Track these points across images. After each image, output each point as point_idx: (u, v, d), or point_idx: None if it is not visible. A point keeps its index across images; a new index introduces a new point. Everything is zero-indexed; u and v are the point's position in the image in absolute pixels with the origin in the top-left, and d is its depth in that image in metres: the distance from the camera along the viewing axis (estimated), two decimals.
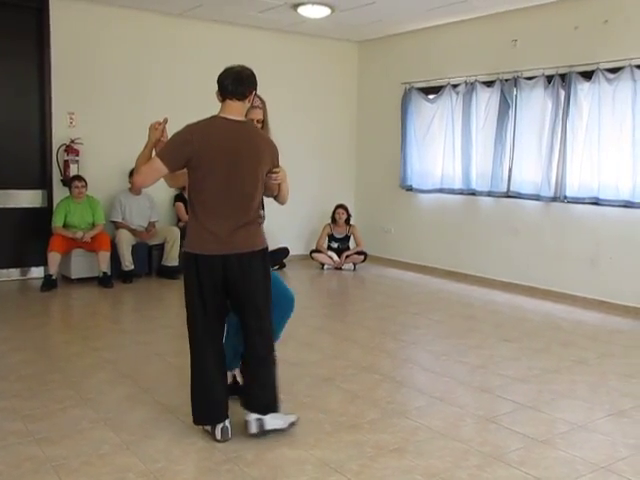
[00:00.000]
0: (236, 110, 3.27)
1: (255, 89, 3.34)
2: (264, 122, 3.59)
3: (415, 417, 3.71)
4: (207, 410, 3.33)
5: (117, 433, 3.40)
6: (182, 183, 3.40)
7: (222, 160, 3.18)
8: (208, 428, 3.35)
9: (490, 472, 3.08)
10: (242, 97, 3.26)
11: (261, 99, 3.56)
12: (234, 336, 3.58)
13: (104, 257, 6.99)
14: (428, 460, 3.18)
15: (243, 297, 3.30)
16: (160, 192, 7.87)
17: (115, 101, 7.57)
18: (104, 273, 7.00)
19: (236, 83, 3.24)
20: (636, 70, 6.06)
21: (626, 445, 3.40)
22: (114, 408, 3.75)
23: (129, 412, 3.70)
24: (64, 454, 3.16)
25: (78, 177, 7.08)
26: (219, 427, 3.30)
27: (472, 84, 7.62)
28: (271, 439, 3.36)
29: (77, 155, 7.24)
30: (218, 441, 3.30)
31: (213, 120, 3.26)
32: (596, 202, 6.47)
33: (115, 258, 7.18)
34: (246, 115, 3.37)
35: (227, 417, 3.33)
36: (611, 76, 6.25)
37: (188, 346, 3.36)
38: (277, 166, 3.40)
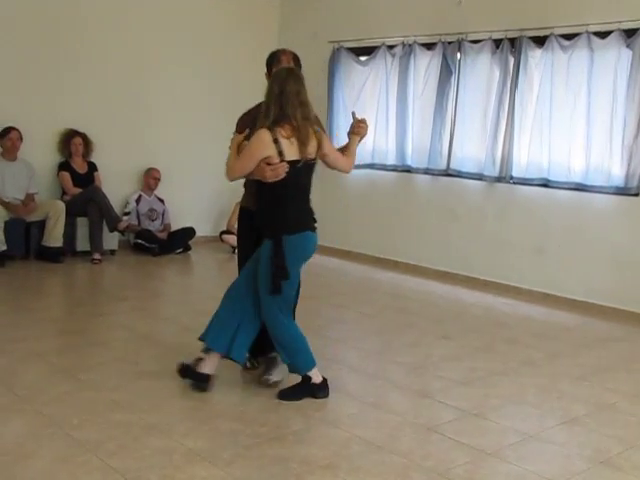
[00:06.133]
0: None
1: (266, 68, 4.19)
2: None
3: (347, 427, 3.66)
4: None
5: None
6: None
7: None
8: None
9: None
10: None
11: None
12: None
13: None
14: (364, 478, 3.13)
15: None
16: (41, 158, 7.52)
17: None
18: None
19: None
20: (593, 37, 6.19)
21: (582, 457, 3.46)
22: None
23: (1, 426, 3.46)
24: None
25: None
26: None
27: (410, 46, 7.60)
28: (180, 456, 3.21)
29: None
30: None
31: None
32: (545, 184, 6.61)
33: None
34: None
35: None
36: (566, 43, 6.36)
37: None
38: None
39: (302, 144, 3.76)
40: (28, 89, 7.41)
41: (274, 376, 4.14)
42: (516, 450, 3.48)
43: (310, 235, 3.94)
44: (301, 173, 3.86)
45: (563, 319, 6.18)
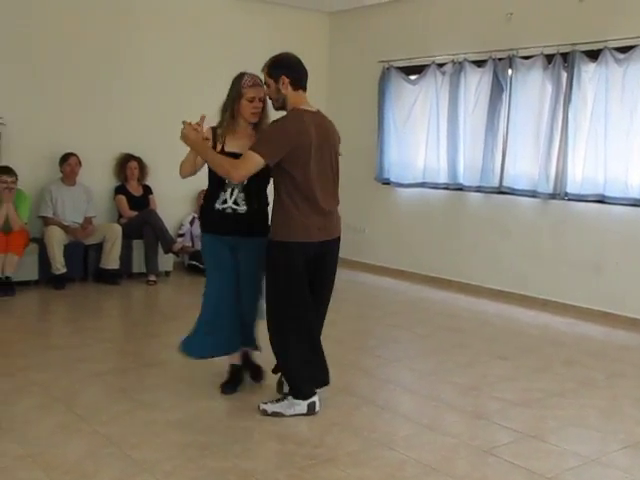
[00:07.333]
0: (307, 101, 4.00)
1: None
2: (265, 101, 4.20)
3: (401, 448, 3.63)
4: (314, 381, 4.06)
5: (47, 472, 3.22)
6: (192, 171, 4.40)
7: (316, 152, 3.86)
8: (315, 400, 3.98)
9: None
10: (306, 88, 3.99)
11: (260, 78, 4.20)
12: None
13: (11, 260, 6.62)
14: None
15: (322, 282, 4.06)
16: (98, 183, 7.68)
17: (46, 77, 7.31)
18: (7, 277, 6.64)
19: (305, 74, 3.99)
20: None
21: None
22: (44, 441, 3.56)
23: (62, 445, 3.52)
24: None
25: (6, 169, 6.73)
26: (317, 397, 4.00)
27: (460, 63, 7.56)
28: (235, 477, 3.22)
29: None
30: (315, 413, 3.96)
31: (301, 114, 3.91)
32: (601, 200, 6.47)
33: (44, 260, 6.94)
34: (250, 94, 4.22)
35: None
36: (621, 56, 6.24)
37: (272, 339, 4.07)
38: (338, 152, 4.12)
39: None
40: (86, 117, 7.59)
41: (268, 406, 4.00)
42: (577, 475, 3.39)
43: None
44: None
45: (623, 338, 6.02)
